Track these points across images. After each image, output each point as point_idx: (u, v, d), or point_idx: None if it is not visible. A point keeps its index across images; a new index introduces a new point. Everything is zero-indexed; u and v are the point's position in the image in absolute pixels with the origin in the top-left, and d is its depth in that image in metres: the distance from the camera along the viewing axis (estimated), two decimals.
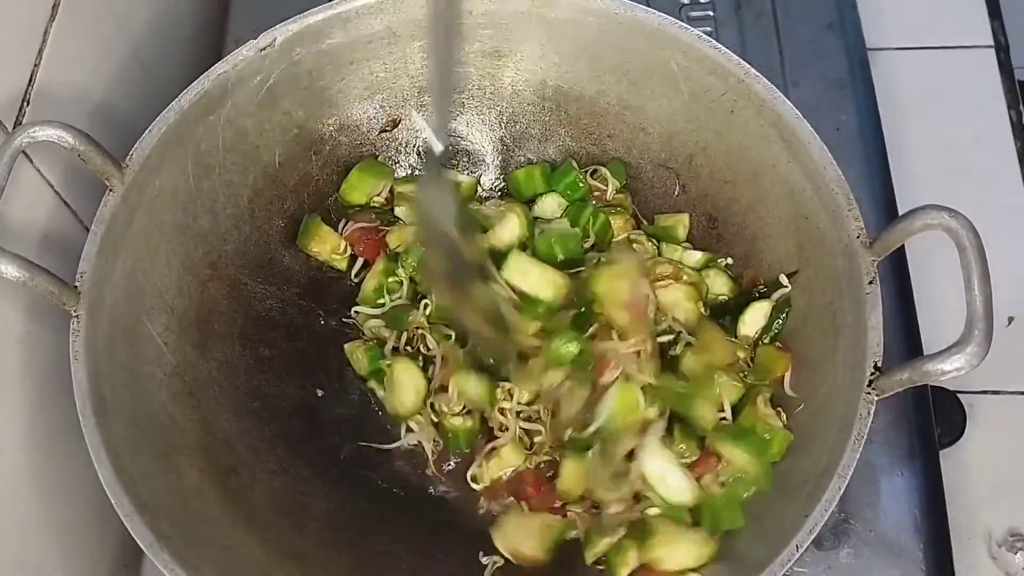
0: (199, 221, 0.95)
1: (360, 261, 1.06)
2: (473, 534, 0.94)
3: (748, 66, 0.90)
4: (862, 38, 1.21)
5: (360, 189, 1.04)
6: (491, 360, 0.94)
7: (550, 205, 1.04)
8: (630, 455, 0.87)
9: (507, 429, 0.95)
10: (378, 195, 1.05)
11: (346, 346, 1.03)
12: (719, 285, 0.97)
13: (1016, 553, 1.01)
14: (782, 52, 1.20)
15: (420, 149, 0.84)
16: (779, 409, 0.88)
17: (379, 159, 1.07)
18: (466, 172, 1.10)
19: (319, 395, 1.01)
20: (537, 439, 0.95)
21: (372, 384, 1.02)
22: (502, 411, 0.95)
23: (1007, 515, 1.03)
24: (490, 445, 0.95)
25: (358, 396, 1.02)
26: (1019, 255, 1.09)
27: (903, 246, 0.83)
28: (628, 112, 1.01)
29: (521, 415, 0.95)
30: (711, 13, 1.24)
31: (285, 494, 0.94)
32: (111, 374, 0.82)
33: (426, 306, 1.00)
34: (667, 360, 0.92)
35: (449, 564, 0.93)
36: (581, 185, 1.03)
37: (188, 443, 0.89)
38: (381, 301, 1.03)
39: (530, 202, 1.05)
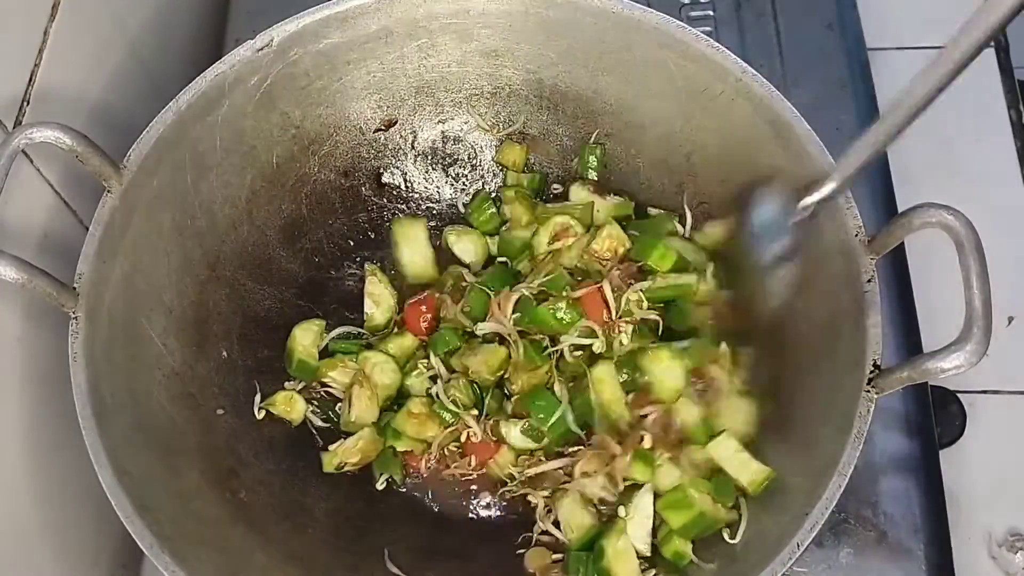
0: (197, 222, 0.95)
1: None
2: (469, 534, 0.95)
3: (745, 64, 0.89)
4: (862, 38, 1.21)
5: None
6: None
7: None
8: None
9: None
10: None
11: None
12: None
13: (1016, 553, 1.00)
14: (782, 52, 1.20)
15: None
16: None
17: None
18: (467, 171, 1.10)
19: None
20: None
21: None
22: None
23: (1007, 515, 1.02)
24: None
25: None
26: (1019, 255, 1.09)
27: (903, 245, 0.83)
28: (625, 111, 1.01)
29: None
30: (711, 13, 1.24)
31: (285, 495, 0.94)
32: (110, 375, 0.83)
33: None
34: None
35: (447, 564, 0.93)
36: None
37: (188, 444, 0.90)
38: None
39: None
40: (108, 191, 0.86)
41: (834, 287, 0.84)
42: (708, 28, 1.22)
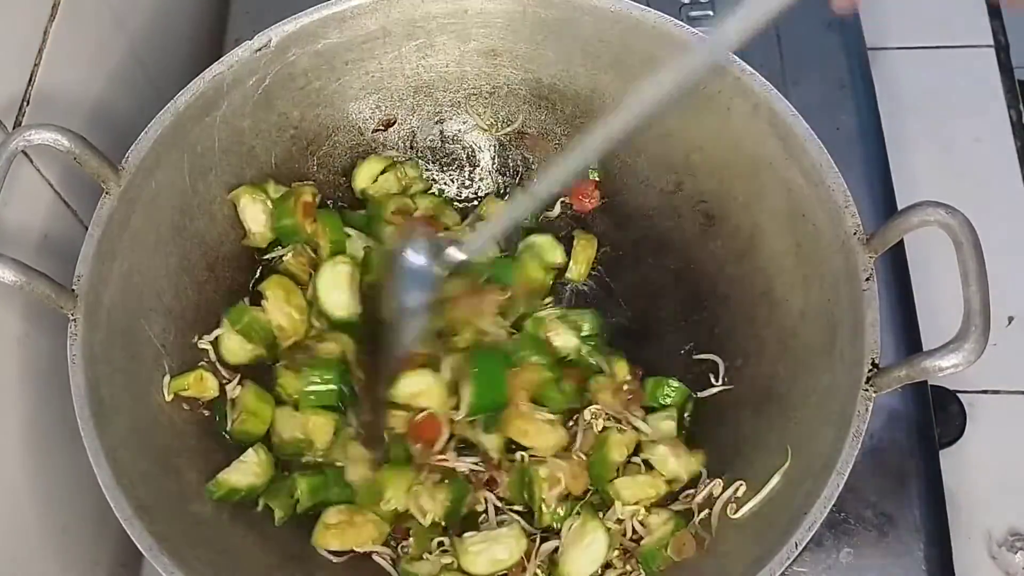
0: (196, 223, 0.95)
1: None
2: None
3: (745, 64, 0.89)
4: (862, 38, 1.21)
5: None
6: None
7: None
8: None
9: None
10: None
11: None
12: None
13: (1016, 553, 1.00)
14: (782, 52, 1.20)
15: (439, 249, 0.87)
16: None
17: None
18: (466, 170, 1.11)
19: None
20: None
21: None
22: None
23: (1007, 515, 1.02)
24: None
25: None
26: (1019, 255, 1.09)
27: (903, 243, 0.83)
28: None
29: None
30: (711, 13, 1.24)
31: None
32: (109, 377, 0.83)
33: None
34: None
35: None
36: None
37: (187, 445, 0.90)
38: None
39: None
40: (107, 192, 0.86)
41: (833, 285, 0.84)
42: (708, 28, 1.21)
